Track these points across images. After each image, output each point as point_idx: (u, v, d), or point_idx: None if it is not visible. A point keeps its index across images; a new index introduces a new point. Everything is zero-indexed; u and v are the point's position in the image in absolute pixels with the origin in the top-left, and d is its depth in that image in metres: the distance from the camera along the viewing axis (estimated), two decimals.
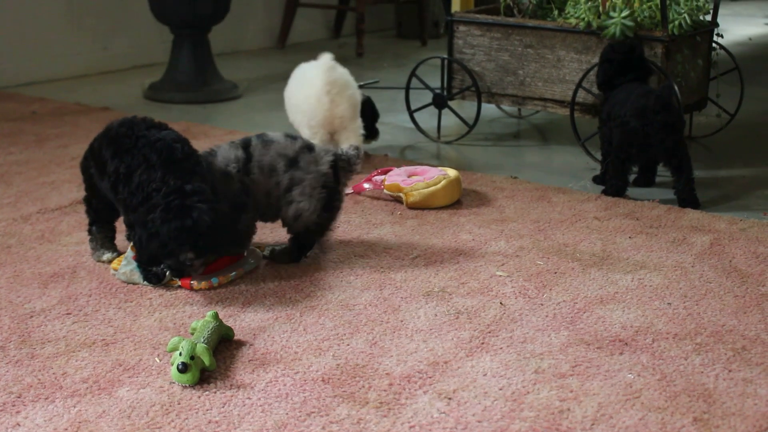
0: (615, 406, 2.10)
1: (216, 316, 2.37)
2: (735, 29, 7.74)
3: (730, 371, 2.25)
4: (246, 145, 2.84)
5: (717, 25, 4.19)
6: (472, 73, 4.22)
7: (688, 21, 3.87)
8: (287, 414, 2.05)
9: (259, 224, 2.96)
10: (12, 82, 5.50)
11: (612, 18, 3.84)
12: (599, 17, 3.90)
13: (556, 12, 4.22)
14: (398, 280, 2.78)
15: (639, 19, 3.88)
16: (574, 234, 3.15)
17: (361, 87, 3.96)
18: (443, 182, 3.41)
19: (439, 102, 4.33)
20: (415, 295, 2.67)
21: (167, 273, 2.68)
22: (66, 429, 1.99)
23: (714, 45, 4.21)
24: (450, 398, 2.12)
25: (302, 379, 2.20)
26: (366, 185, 3.52)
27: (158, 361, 2.28)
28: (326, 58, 3.67)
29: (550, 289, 2.72)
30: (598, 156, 3.85)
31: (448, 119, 4.58)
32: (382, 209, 3.41)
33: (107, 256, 2.87)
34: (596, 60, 3.90)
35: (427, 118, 4.52)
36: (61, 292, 2.67)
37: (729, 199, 3.58)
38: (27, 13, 5.55)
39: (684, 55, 3.93)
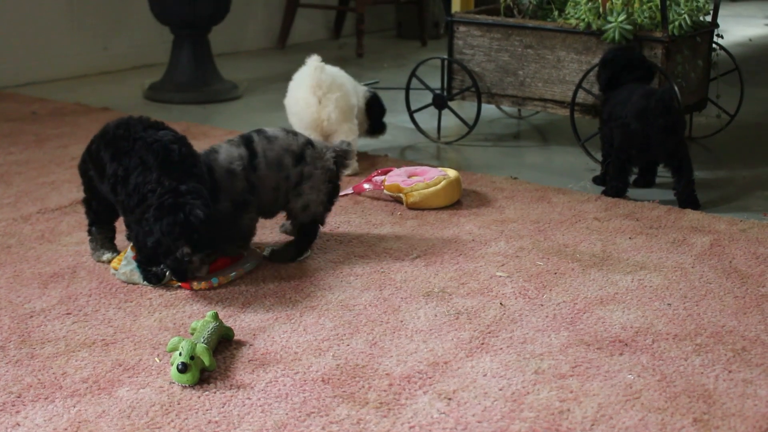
0: (615, 406, 2.10)
1: (216, 316, 2.37)
2: (735, 30, 7.74)
3: (730, 372, 2.25)
4: (247, 142, 2.85)
5: (717, 25, 4.19)
6: (472, 73, 4.22)
7: (688, 22, 3.87)
8: (287, 414, 2.05)
9: (259, 225, 2.96)
10: (12, 82, 5.50)
11: (610, 22, 3.84)
12: (599, 18, 3.90)
13: (556, 13, 4.22)
14: (398, 280, 2.78)
15: (639, 20, 3.88)
16: (574, 234, 3.15)
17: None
18: (443, 183, 3.41)
19: (439, 102, 4.33)
20: (415, 295, 2.67)
21: (167, 273, 2.68)
22: (66, 429, 1.99)
23: (714, 46, 4.21)
24: (450, 399, 2.12)
25: (302, 379, 2.20)
26: (366, 186, 3.52)
27: (158, 361, 2.28)
28: (313, 60, 3.68)
29: (550, 290, 2.72)
30: (598, 157, 3.85)
31: (448, 120, 4.58)
32: (382, 210, 3.41)
33: (107, 256, 2.87)
34: (596, 60, 3.90)
35: (427, 119, 4.52)
36: (61, 292, 2.67)
37: (729, 200, 3.58)
38: (27, 13, 5.55)
39: (684, 55, 3.93)
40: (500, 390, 2.16)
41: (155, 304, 2.60)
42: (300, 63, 3.84)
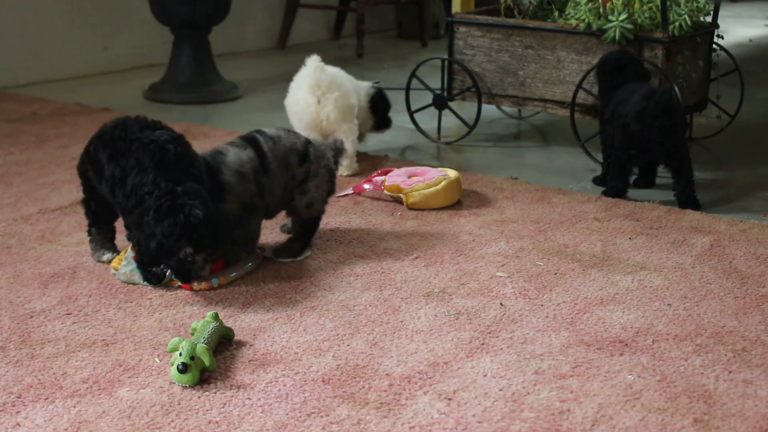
0: (615, 407, 2.10)
1: (216, 316, 2.37)
2: (735, 30, 7.74)
3: (730, 372, 2.25)
4: (254, 144, 2.85)
5: (717, 26, 4.19)
6: (473, 74, 4.22)
7: (689, 22, 3.87)
8: (287, 414, 2.05)
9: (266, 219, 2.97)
10: (12, 82, 5.50)
11: (611, 22, 3.84)
12: (599, 18, 3.90)
13: (556, 13, 4.22)
14: (398, 280, 2.78)
15: (639, 20, 3.88)
16: (574, 235, 3.15)
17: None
18: (443, 183, 3.41)
19: (440, 103, 4.33)
20: (416, 295, 2.67)
21: (167, 273, 2.68)
22: (66, 429, 1.99)
23: (714, 46, 4.21)
24: (450, 399, 2.12)
25: (302, 379, 2.20)
26: (366, 186, 3.52)
27: (158, 361, 2.28)
28: (313, 60, 3.68)
29: (551, 290, 2.72)
30: (598, 157, 3.85)
31: (449, 120, 4.58)
32: (383, 210, 3.41)
33: (107, 256, 2.87)
34: (597, 61, 3.90)
35: (428, 119, 4.52)
36: (61, 293, 2.67)
37: (729, 201, 3.58)
38: (27, 13, 5.55)
39: (684, 56, 3.93)
40: (500, 390, 2.16)
41: (155, 304, 2.60)
42: (300, 63, 3.84)
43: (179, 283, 2.69)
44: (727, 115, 4.36)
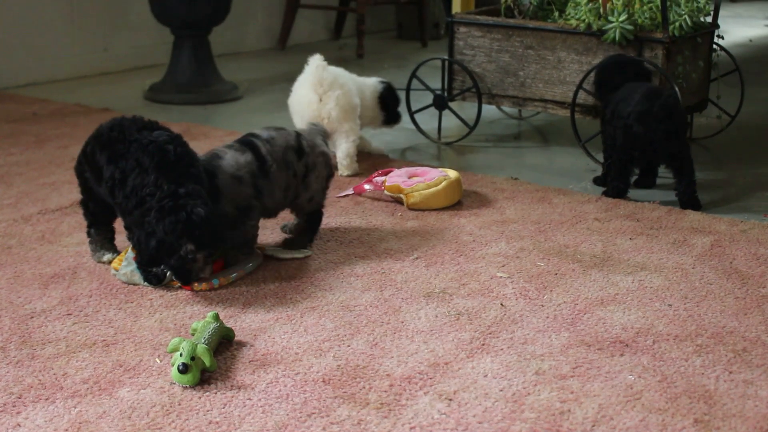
0: (616, 407, 2.09)
1: (217, 317, 2.37)
2: (735, 31, 7.74)
3: (730, 373, 2.25)
4: (252, 147, 2.85)
5: (717, 26, 4.19)
6: (473, 74, 4.22)
7: (689, 22, 3.87)
8: (288, 415, 2.05)
9: (260, 225, 2.96)
10: (12, 83, 5.50)
11: (611, 22, 3.84)
12: (600, 19, 3.90)
13: (556, 13, 4.22)
14: (399, 281, 2.78)
15: (639, 21, 3.88)
16: (574, 235, 3.15)
17: None
18: (444, 183, 3.41)
19: (440, 103, 4.33)
20: (416, 296, 2.67)
21: (167, 273, 2.68)
22: (66, 430, 1.99)
23: (714, 46, 4.21)
24: (451, 399, 2.12)
25: (303, 380, 2.20)
26: (367, 186, 3.52)
27: (159, 361, 2.28)
28: (316, 59, 3.70)
29: (551, 291, 2.72)
30: (599, 157, 3.86)
31: (449, 120, 4.58)
32: (383, 210, 3.41)
33: (107, 256, 2.87)
34: (597, 61, 3.91)
35: (428, 119, 4.52)
36: (61, 293, 2.67)
37: (729, 201, 3.58)
38: (28, 14, 5.55)
39: (684, 56, 3.93)
40: (501, 391, 2.16)
41: (156, 304, 2.60)
42: (300, 64, 3.84)
43: (180, 284, 2.69)
44: (728, 116, 4.36)
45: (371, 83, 4.00)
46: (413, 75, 4.38)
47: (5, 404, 2.08)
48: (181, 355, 2.15)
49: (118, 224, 2.87)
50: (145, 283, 2.70)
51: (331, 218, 3.25)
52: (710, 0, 4.06)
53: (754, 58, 6.61)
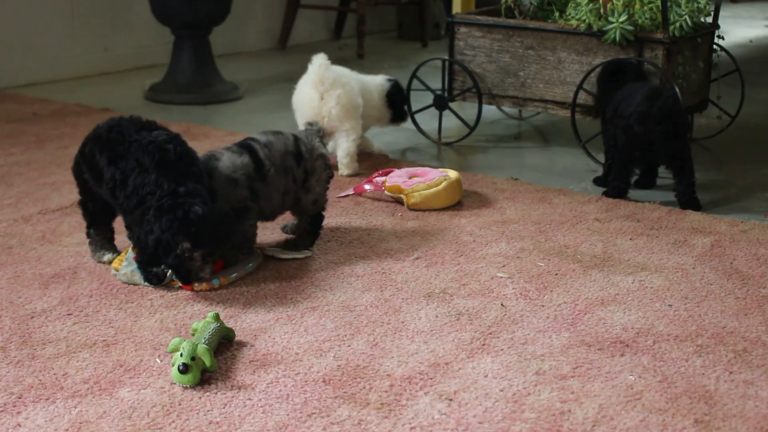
0: (616, 407, 2.09)
1: (217, 317, 2.37)
2: (736, 31, 7.74)
3: (731, 373, 2.25)
4: (250, 150, 2.84)
5: (718, 27, 4.19)
6: (473, 74, 4.22)
7: (689, 23, 3.87)
8: (288, 415, 2.05)
9: (260, 225, 2.96)
10: (13, 83, 5.50)
11: (611, 23, 3.84)
12: (600, 19, 3.90)
13: (557, 14, 4.22)
14: (399, 281, 2.78)
15: (640, 21, 3.88)
16: (575, 235, 3.15)
17: None
18: (444, 183, 3.41)
19: (440, 103, 4.33)
20: (416, 296, 2.67)
21: (168, 273, 2.68)
22: (67, 430, 1.99)
23: (715, 47, 4.21)
24: (451, 399, 2.12)
25: (303, 380, 2.20)
26: (367, 187, 3.52)
27: (159, 362, 2.28)
28: (319, 57, 3.70)
29: (551, 291, 2.72)
30: (599, 158, 3.86)
31: (449, 121, 4.58)
32: (383, 211, 3.41)
33: (108, 256, 2.87)
34: (597, 61, 3.91)
35: (428, 120, 4.52)
36: (61, 293, 2.67)
37: (730, 201, 3.58)
38: (28, 14, 5.55)
39: (685, 56, 3.93)
40: (501, 391, 2.16)
41: (156, 304, 2.60)
42: (301, 64, 3.85)
43: (180, 284, 2.69)
44: (728, 116, 4.36)
45: (378, 82, 4.01)
46: (413, 75, 4.38)
47: (5, 404, 2.08)
48: (181, 355, 2.15)
49: (118, 224, 2.88)
50: (146, 283, 2.70)
51: (331, 218, 3.25)
52: (710, 0, 4.06)
53: (755, 58, 6.61)
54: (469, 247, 3.04)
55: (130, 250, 2.77)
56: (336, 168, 3.74)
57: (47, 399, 2.11)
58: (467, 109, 4.60)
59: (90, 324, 2.48)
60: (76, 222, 3.20)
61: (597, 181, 3.74)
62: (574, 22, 3.99)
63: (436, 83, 4.47)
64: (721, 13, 4.61)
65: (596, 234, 3.17)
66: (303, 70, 3.84)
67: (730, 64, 4.28)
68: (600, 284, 2.76)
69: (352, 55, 6.71)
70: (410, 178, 3.48)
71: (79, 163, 2.81)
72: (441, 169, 3.51)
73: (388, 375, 2.22)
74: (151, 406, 2.08)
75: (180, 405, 2.09)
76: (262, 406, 2.08)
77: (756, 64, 6.25)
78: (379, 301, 2.64)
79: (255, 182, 2.81)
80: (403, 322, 2.50)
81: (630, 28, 3.82)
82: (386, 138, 4.36)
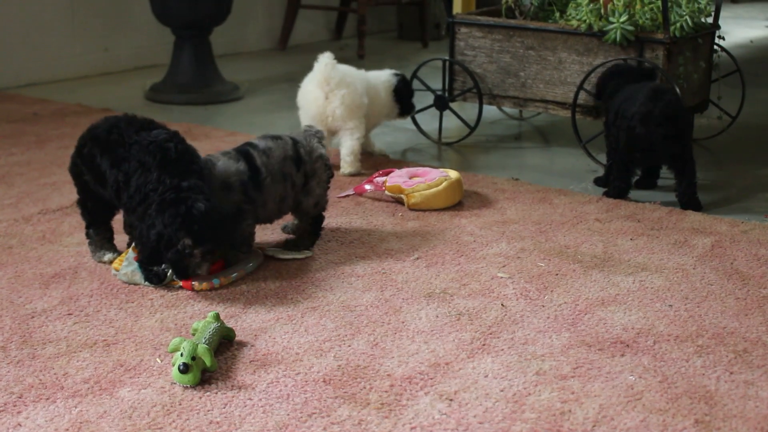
0: (616, 407, 2.09)
1: (217, 316, 2.37)
2: (736, 32, 7.74)
3: (731, 373, 2.25)
4: (247, 157, 2.83)
5: (718, 27, 4.19)
6: (474, 74, 4.22)
7: (690, 23, 3.87)
8: (288, 415, 2.05)
9: (261, 225, 2.97)
10: (13, 83, 5.50)
11: (612, 23, 3.84)
12: (600, 20, 3.90)
13: (557, 14, 4.23)
14: (399, 281, 2.78)
15: (640, 21, 3.88)
16: (575, 236, 3.15)
17: None
18: (444, 184, 3.41)
19: (441, 104, 4.33)
20: (417, 296, 2.67)
21: (168, 273, 2.68)
22: (67, 429, 1.99)
23: (715, 47, 4.21)
24: (451, 399, 2.12)
25: (303, 380, 2.20)
26: (367, 187, 3.52)
27: (159, 361, 2.28)
28: (325, 57, 3.71)
29: (552, 291, 2.71)
30: (600, 158, 3.85)
31: (450, 121, 4.58)
32: (384, 211, 3.41)
33: (108, 256, 2.87)
34: (598, 62, 3.91)
35: (429, 120, 4.52)
36: (62, 293, 2.67)
37: (730, 202, 3.58)
38: (29, 14, 5.55)
39: (685, 57, 3.93)
40: (501, 391, 2.16)
41: (156, 304, 2.60)
42: (301, 64, 3.85)
43: (180, 284, 2.69)
44: (728, 116, 4.36)
45: (384, 77, 4.01)
46: (414, 75, 4.38)
47: (6, 404, 2.09)
48: (181, 355, 2.15)
49: (117, 224, 2.88)
50: (146, 283, 2.70)
51: (332, 218, 3.25)
52: (711, 1, 4.06)
53: (755, 59, 6.61)
54: (470, 247, 3.04)
55: (130, 250, 2.77)
56: (337, 167, 3.74)
57: (48, 399, 2.11)
58: (468, 109, 4.60)
59: (90, 324, 2.48)
60: (77, 222, 3.20)
61: (598, 182, 3.74)
62: (574, 23, 3.99)
63: (436, 83, 4.47)
64: (722, 14, 4.61)
65: (597, 234, 3.17)
66: (303, 70, 3.84)
67: (731, 65, 4.28)
68: (600, 284, 2.76)
69: (353, 55, 6.71)
70: (411, 178, 3.48)
71: (77, 164, 2.81)
72: (441, 170, 3.51)
73: (388, 375, 2.22)
74: (151, 406, 2.08)
75: (180, 405, 2.09)
76: (262, 406, 2.08)
77: (756, 65, 6.25)
78: (380, 301, 2.64)
79: (249, 189, 2.80)
80: (403, 322, 2.50)
81: (630, 28, 3.82)
82: (387, 138, 4.36)
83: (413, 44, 7.35)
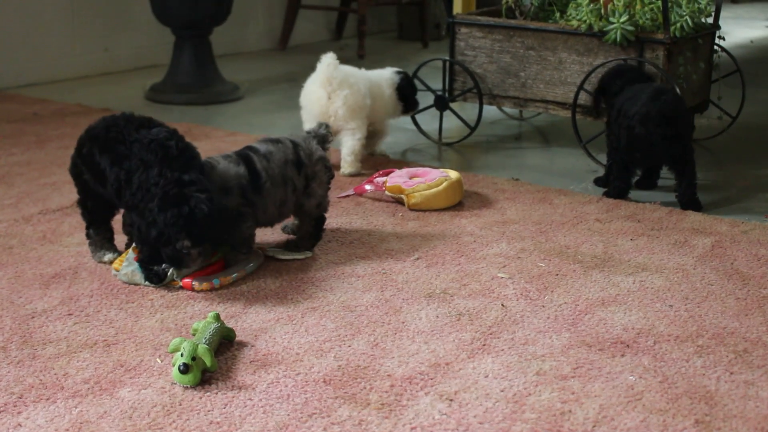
0: (616, 408, 2.09)
1: (217, 317, 2.37)
2: (737, 32, 7.74)
3: (731, 373, 2.25)
4: (247, 161, 2.83)
5: (719, 27, 4.19)
6: (474, 75, 4.22)
7: (690, 23, 3.87)
8: (288, 415, 2.05)
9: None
10: (13, 83, 5.50)
11: (612, 23, 3.84)
12: (601, 20, 3.90)
13: (557, 14, 4.23)
14: (400, 281, 2.78)
15: (640, 21, 3.88)
16: (575, 236, 3.15)
17: None
18: (445, 184, 3.41)
19: (441, 104, 4.33)
20: (417, 296, 2.67)
21: (168, 273, 2.68)
22: (67, 430, 1.99)
23: (716, 47, 4.21)
24: (451, 400, 2.12)
25: (304, 380, 2.20)
26: (367, 187, 3.52)
27: (160, 362, 2.28)
28: (329, 56, 3.72)
29: (552, 291, 2.71)
30: (600, 158, 3.85)
31: (450, 121, 4.58)
32: (384, 211, 3.41)
33: (108, 256, 2.87)
34: (598, 62, 3.91)
35: (429, 120, 4.52)
36: (62, 293, 2.67)
37: (730, 202, 3.58)
38: (28, 14, 5.55)
39: (686, 57, 3.93)
40: (502, 391, 2.16)
41: (157, 305, 2.60)
42: (302, 64, 3.86)
43: (180, 284, 2.69)
44: (729, 116, 4.36)
45: (387, 76, 4.02)
46: (414, 75, 4.38)
47: (6, 404, 2.09)
48: (182, 355, 2.15)
49: (117, 224, 2.88)
50: (146, 283, 2.70)
51: (332, 219, 3.25)
52: (711, 1, 4.06)
53: (755, 59, 6.61)
54: (470, 248, 3.04)
55: (130, 250, 2.77)
56: (337, 167, 3.74)
57: (48, 399, 2.11)
58: (468, 109, 4.60)
59: (91, 324, 2.48)
60: (77, 222, 3.20)
61: (598, 182, 3.74)
62: (574, 23, 3.99)
63: (436, 84, 4.47)
64: (722, 14, 4.62)
65: (597, 234, 3.17)
66: (304, 70, 3.84)
67: (731, 65, 4.28)
68: (600, 285, 2.76)
69: (353, 55, 6.71)
70: (411, 178, 3.48)
71: (76, 164, 2.81)
72: (442, 170, 3.51)
73: (388, 375, 2.22)
74: (151, 406, 2.08)
75: (180, 405, 2.09)
76: (262, 407, 2.08)
77: (757, 65, 6.25)
78: (380, 301, 2.64)
79: (248, 193, 2.80)
80: (403, 323, 2.51)
81: (631, 28, 3.82)
82: (387, 138, 4.36)
83: (413, 44, 7.35)
